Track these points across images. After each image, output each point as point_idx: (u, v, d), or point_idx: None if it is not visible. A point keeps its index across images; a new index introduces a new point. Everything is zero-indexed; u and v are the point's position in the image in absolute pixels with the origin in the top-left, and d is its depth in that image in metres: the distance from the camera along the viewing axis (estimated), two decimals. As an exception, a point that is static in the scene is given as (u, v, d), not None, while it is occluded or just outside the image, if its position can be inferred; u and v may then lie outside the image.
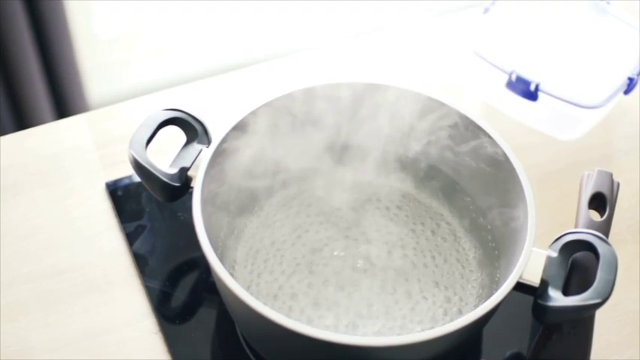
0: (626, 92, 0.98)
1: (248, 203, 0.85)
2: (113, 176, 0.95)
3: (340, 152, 0.88)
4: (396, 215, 0.87)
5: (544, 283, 0.73)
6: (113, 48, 1.85)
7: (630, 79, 0.97)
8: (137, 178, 0.92)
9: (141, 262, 0.88)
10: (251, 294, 0.71)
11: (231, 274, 0.71)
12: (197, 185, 0.76)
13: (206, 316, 0.84)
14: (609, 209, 0.81)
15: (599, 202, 0.82)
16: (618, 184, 0.83)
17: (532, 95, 0.96)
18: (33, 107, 1.60)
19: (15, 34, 1.50)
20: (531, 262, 0.73)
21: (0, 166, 0.95)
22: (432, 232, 0.86)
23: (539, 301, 0.73)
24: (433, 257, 0.85)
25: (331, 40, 1.66)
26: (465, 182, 0.85)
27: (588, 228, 0.79)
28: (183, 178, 0.79)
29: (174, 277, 0.87)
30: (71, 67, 1.63)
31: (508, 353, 0.83)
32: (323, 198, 0.88)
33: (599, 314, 0.77)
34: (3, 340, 0.82)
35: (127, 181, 0.94)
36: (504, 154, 0.79)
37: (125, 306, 0.85)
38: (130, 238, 0.90)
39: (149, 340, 0.83)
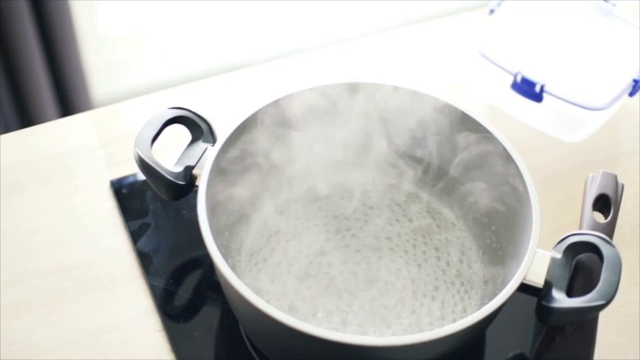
0: (631, 94, 0.98)
1: (253, 202, 0.85)
2: (118, 174, 0.95)
3: (344, 152, 0.88)
4: (399, 216, 0.87)
5: (548, 285, 0.73)
6: (118, 47, 1.85)
7: (635, 81, 0.97)
8: (142, 177, 0.92)
9: (145, 260, 0.88)
10: (255, 293, 0.71)
11: (236, 273, 0.70)
12: (202, 184, 0.76)
13: (210, 315, 0.84)
14: (613, 211, 0.81)
15: (604, 203, 0.82)
16: (623, 186, 0.83)
17: (537, 96, 0.96)
18: (38, 105, 1.60)
19: (20, 33, 1.50)
20: (535, 263, 0.73)
21: (4, 164, 0.95)
22: (436, 232, 0.86)
23: (543, 302, 0.73)
24: (438, 257, 0.85)
25: (336, 40, 1.66)
26: (469, 183, 0.85)
27: (592, 230, 0.79)
28: (188, 177, 0.79)
29: (178, 276, 0.87)
30: (76, 66, 1.63)
31: (511, 354, 0.83)
32: (327, 198, 0.88)
33: (602, 316, 0.77)
34: (6, 337, 0.82)
35: (131, 180, 0.94)
36: (509, 155, 0.79)
37: (129, 304, 0.85)
38: (135, 236, 0.90)
39: (152, 338, 0.83)
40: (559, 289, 0.73)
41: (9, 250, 0.88)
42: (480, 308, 0.72)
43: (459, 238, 0.86)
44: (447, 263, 0.84)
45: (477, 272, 0.83)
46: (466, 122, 0.83)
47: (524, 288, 0.73)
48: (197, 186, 0.79)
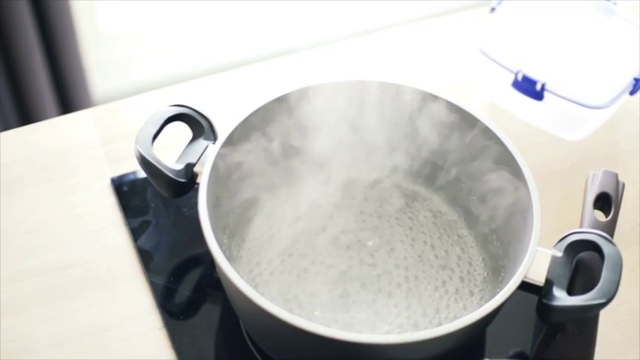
0: (632, 93, 0.98)
1: (254, 200, 0.85)
2: (118, 172, 0.95)
3: (345, 150, 0.88)
4: (400, 214, 0.87)
5: (549, 283, 0.73)
6: (117, 44, 1.85)
7: (636, 80, 0.97)
8: (142, 174, 0.92)
9: (145, 257, 0.88)
10: (255, 290, 0.71)
11: (236, 271, 0.70)
12: (203, 181, 0.76)
13: (210, 312, 0.84)
14: (614, 209, 0.81)
15: (604, 202, 0.82)
16: (623, 185, 0.83)
17: (538, 95, 0.96)
18: (38, 103, 1.60)
19: (20, 31, 1.50)
20: (536, 262, 0.73)
21: (4, 162, 0.95)
22: (436, 230, 0.86)
23: (544, 301, 0.73)
24: (436, 255, 0.85)
25: (337, 38, 1.66)
26: (470, 181, 0.85)
27: (593, 228, 0.79)
28: (189, 174, 0.79)
29: (178, 273, 0.87)
30: (76, 63, 1.63)
31: (511, 352, 0.83)
32: (328, 197, 0.88)
33: (603, 314, 0.77)
34: (6, 334, 0.82)
35: (132, 177, 0.94)
36: (510, 154, 0.79)
37: (129, 301, 0.85)
38: (135, 233, 0.90)
39: (153, 335, 0.83)
40: (560, 287, 0.73)
41: (9, 248, 0.88)
42: (480, 306, 0.72)
43: (460, 236, 0.86)
44: (447, 261, 0.84)
45: (478, 270, 0.83)
46: (467, 120, 0.83)
47: (524, 286, 0.73)
48: (198, 183, 0.79)
